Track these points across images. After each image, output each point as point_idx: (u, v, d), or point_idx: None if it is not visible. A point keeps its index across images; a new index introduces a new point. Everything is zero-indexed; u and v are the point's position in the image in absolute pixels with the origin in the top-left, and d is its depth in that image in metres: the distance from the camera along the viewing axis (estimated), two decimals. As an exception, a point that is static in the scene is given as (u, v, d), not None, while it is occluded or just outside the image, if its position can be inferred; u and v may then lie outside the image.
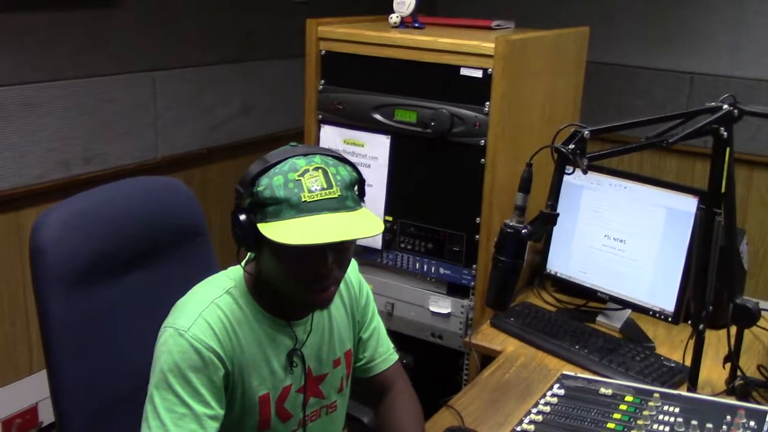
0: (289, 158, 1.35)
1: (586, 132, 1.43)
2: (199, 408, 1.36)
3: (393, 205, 2.35)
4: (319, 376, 1.57)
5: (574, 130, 1.45)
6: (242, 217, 1.36)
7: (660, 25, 3.85)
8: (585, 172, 1.46)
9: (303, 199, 1.31)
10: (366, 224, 1.36)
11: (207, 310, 1.41)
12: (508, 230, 1.52)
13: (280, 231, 1.31)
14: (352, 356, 1.67)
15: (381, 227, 1.37)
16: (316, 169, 1.34)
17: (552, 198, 1.48)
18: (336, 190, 1.34)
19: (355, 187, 1.41)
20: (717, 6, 3.71)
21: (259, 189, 1.34)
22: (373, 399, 1.74)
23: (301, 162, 1.35)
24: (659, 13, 3.85)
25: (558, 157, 1.45)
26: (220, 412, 1.40)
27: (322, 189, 1.32)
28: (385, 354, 1.72)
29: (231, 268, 1.53)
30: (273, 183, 1.33)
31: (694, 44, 3.79)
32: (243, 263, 1.50)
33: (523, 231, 1.51)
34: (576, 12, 3.88)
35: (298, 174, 1.33)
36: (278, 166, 1.35)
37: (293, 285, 1.40)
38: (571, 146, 1.42)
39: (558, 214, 1.50)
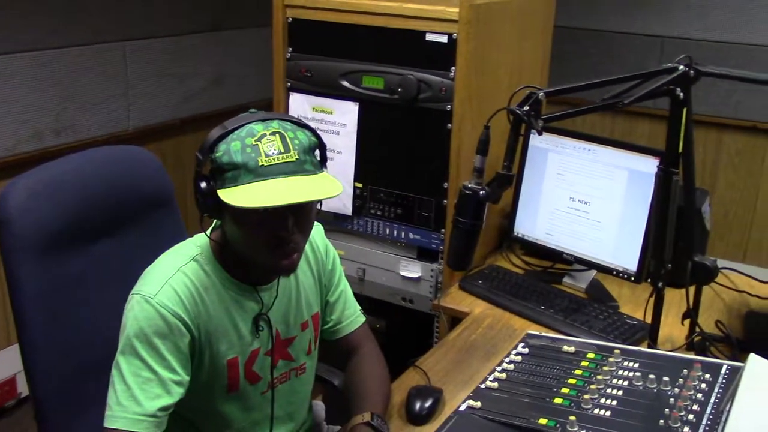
0: (246, 124, 1.37)
1: (541, 93, 1.46)
2: (164, 373, 1.39)
3: (362, 171, 2.37)
4: (287, 339, 1.61)
5: (529, 92, 1.47)
6: (202, 184, 1.38)
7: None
8: (540, 133, 1.49)
9: (260, 164, 1.33)
10: (323, 186, 1.38)
11: (173, 277, 1.43)
12: (467, 192, 1.55)
13: (238, 195, 1.33)
14: (320, 319, 1.70)
15: (339, 189, 1.39)
16: (273, 133, 1.36)
17: (508, 159, 1.51)
18: (293, 154, 1.36)
19: (315, 152, 1.43)
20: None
21: (217, 155, 1.36)
22: (341, 361, 1.78)
23: (258, 127, 1.37)
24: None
25: (513, 119, 1.47)
26: (186, 377, 1.43)
27: (279, 153, 1.34)
28: (352, 316, 1.76)
29: (197, 236, 1.55)
30: (231, 148, 1.34)
31: (666, 8, 3.80)
32: (209, 231, 1.52)
33: (481, 192, 1.54)
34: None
35: (255, 139, 1.35)
36: (236, 132, 1.37)
37: (256, 250, 1.43)
38: (526, 108, 1.45)
39: (513, 175, 1.53)
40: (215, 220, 1.51)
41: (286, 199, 1.33)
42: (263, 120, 1.38)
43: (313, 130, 1.44)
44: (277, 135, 1.36)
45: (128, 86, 3.13)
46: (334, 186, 1.39)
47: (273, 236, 1.40)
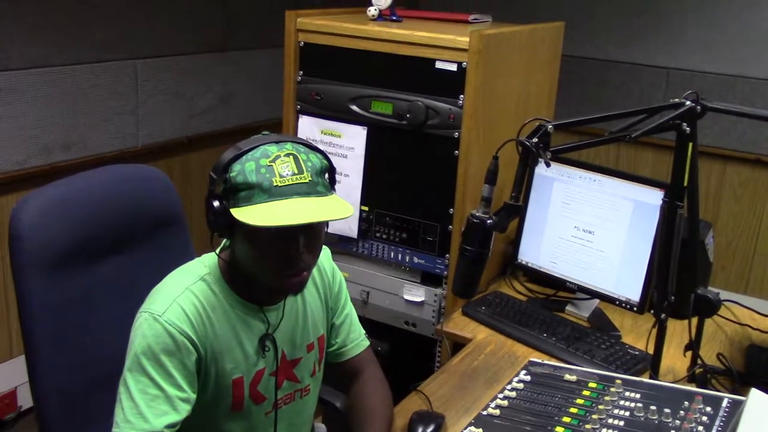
0: (261, 145, 1.40)
1: (550, 126, 1.48)
2: (171, 390, 1.40)
3: (369, 195, 2.39)
4: (293, 360, 1.62)
5: (538, 124, 1.50)
6: (215, 203, 1.40)
7: (637, 20, 3.91)
8: (548, 165, 1.51)
9: (274, 184, 1.36)
10: (335, 208, 1.41)
11: (182, 296, 1.45)
12: (474, 220, 1.57)
13: (251, 214, 1.35)
14: (325, 341, 1.72)
15: (351, 211, 1.41)
16: (288, 155, 1.39)
17: (516, 190, 1.53)
18: (307, 176, 1.38)
19: (326, 175, 1.45)
20: (692, 2, 3.77)
21: (231, 175, 1.38)
22: (344, 383, 1.78)
23: (272, 148, 1.39)
24: (637, 8, 3.91)
25: (522, 151, 1.49)
26: (192, 395, 1.44)
27: (293, 174, 1.37)
28: (356, 340, 1.77)
29: (205, 255, 1.57)
30: (245, 168, 1.37)
31: (671, 40, 3.84)
32: (218, 250, 1.54)
33: (489, 221, 1.56)
34: (555, 7, 3.93)
35: (269, 160, 1.37)
36: (250, 152, 1.39)
37: (266, 269, 1.44)
38: (535, 140, 1.47)
39: (521, 206, 1.55)
40: (224, 240, 1.53)
41: (299, 219, 1.35)
42: (277, 142, 1.41)
43: (324, 153, 1.47)
44: (291, 157, 1.39)
45: (138, 103, 3.16)
46: (345, 208, 1.41)
47: (284, 256, 1.42)
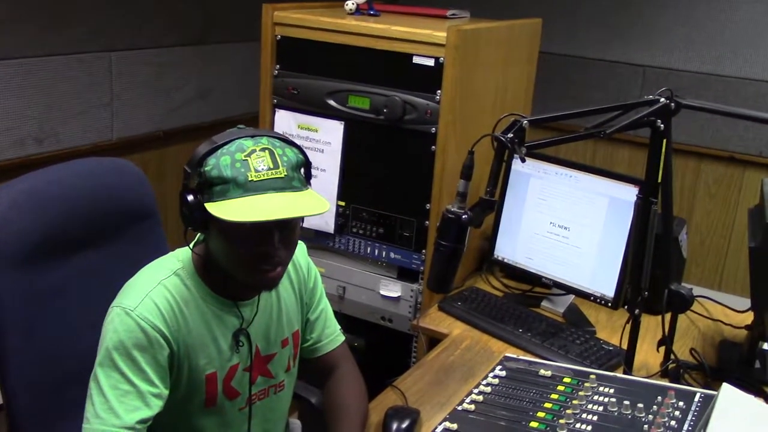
0: (236, 139, 1.38)
1: (525, 122, 1.48)
2: (143, 386, 1.39)
3: (345, 190, 2.38)
4: (267, 356, 1.61)
5: (513, 120, 1.50)
6: (190, 197, 1.39)
7: (616, 18, 3.93)
8: (523, 160, 1.51)
9: (249, 179, 1.34)
10: (311, 203, 1.40)
11: (154, 290, 1.44)
12: (450, 215, 1.57)
13: (226, 209, 1.34)
14: (300, 337, 1.71)
15: (327, 206, 1.41)
16: (263, 149, 1.37)
17: (491, 185, 1.53)
18: (282, 171, 1.37)
19: (302, 169, 1.45)
20: (669, 1, 3.80)
21: (206, 169, 1.36)
22: (319, 379, 1.78)
23: (248, 143, 1.38)
24: (615, 6, 3.93)
25: (497, 146, 1.49)
26: (165, 391, 1.43)
27: (269, 169, 1.36)
28: (331, 335, 1.76)
29: (179, 250, 1.55)
30: (220, 163, 1.35)
31: (648, 37, 3.87)
32: (191, 244, 1.52)
33: (464, 216, 1.55)
34: (533, 4, 3.93)
35: (245, 154, 1.36)
36: (225, 146, 1.38)
37: (241, 265, 1.43)
38: (510, 135, 1.47)
39: (496, 201, 1.55)
40: (198, 235, 1.52)
41: (275, 214, 1.34)
42: (252, 136, 1.40)
43: (300, 148, 1.46)
44: (267, 151, 1.37)
45: (113, 96, 3.12)
46: (321, 203, 1.40)
47: (258, 251, 1.40)
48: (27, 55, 2.78)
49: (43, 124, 2.87)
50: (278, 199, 1.36)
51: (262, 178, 1.35)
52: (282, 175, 1.37)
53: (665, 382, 1.75)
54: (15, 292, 1.56)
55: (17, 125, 2.79)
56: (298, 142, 2.33)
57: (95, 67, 3.03)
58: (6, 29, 2.68)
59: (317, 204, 1.40)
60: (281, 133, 2.33)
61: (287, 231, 1.43)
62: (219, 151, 1.37)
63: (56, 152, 2.91)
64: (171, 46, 3.34)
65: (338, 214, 2.40)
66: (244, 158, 1.36)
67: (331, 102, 2.34)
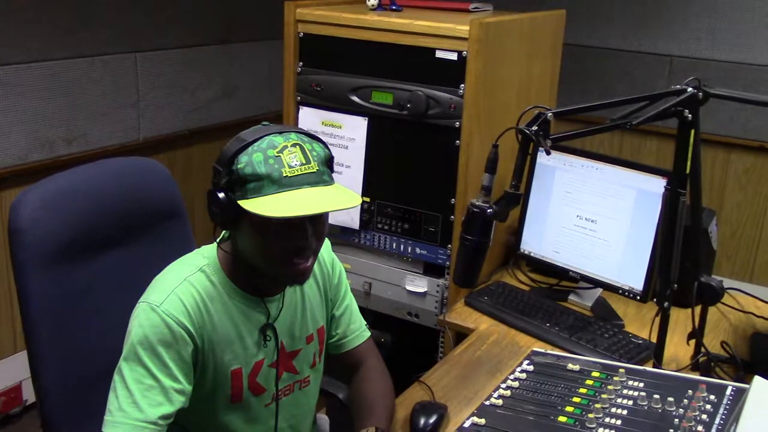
0: (265, 136, 1.39)
1: (550, 114, 1.47)
2: (167, 381, 1.40)
3: (370, 185, 2.38)
4: (293, 352, 1.62)
5: (538, 112, 1.48)
6: (221, 195, 1.39)
7: (641, 8, 3.88)
8: (548, 153, 1.50)
9: (284, 174, 1.36)
10: (344, 196, 1.41)
11: (180, 286, 1.45)
12: (474, 210, 1.56)
13: (263, 206, 1.35)
14: (325, 333, 1.71)
15: (359, 200, 1.43)
16: (294, 145, 1.39)
17: (516, 178, 1.52)
18: (314, 165, 1.39)
19: (328, 164, 1.46)
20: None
21: (239, 167, 1.37)
22: (346, 375, 1.78)
23: (278, 139, 1.39)
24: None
25: (522, 139, 1.48)
26: (188, 387, 1.44)
27: (302, 164, 1.37)
28: (357, 331, 1.76)
29: (205, 247, 1.56)
30: (253, 160, 1.36)
31: (674, 27, 3.82)
32: (217, 241, 1.53)
33: (489, 210, 1.55)
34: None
35: (277, 150, 1.37)
36: (256, 143, 1.39)
37: (275, 259, 1.44)
38: (534, 128, 1.46)
39: (521, 194, 1.54)
40: (224, 231, 1.53)
41: (314, 208, 1.36)
42: (281, 132, 1.41)
43: (324, 143, 1.47)
44: (298, 147, 1.39)
45: (139, 97, 3.15)
46: (353, 196, 1.42)
47: (293, 245, 1.42)
48: (53, 58, 2.81)
49: (71, 126, 2.91)
50: (313, 193, 1.37)
51: (297, 173, 1.37)
52: (314, 170, 1.39)
53: (696, 376, 1.73)
54: (45, 291, 1.59)
55: (46, 127, 2.83)
56: (322, 138, 2.35)
57: (121, 68, 3.06)
58: (32, 32, 2.72)
59: (350, 197, 1.42)
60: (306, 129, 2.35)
61: (319, 224, 1.45)
62: (250, 148, 1.38)
63: (84, 153, 2.95)
64: (195, 46, 3.37)
65: (363, 210, 2.40)
66: (276, 154, 1.37)
67: (355, 98, 2.34)
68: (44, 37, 2.77)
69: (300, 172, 1.37)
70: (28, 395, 2.97)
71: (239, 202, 1.38)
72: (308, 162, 1.38)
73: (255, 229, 1.41)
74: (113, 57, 3.03)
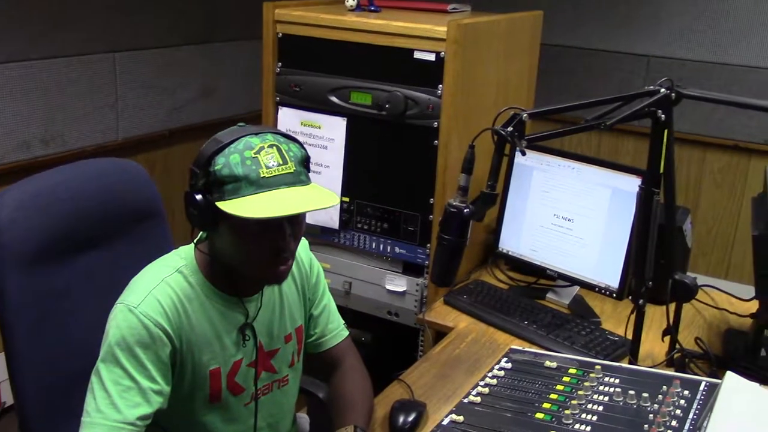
0: (242, 137, 1.40)
1: (525, 115, 1.49)
2: (144, 382, 1.40)
3: (350, 185, 2.39)
4: (271, 351, 1.62)
5: (513, 113, 1.50)
6: (198, 197, 1.40)
7: (618, 8, 3.92)
8: (523, 153, 1.52)
9: (262, 175, 1.36)
10: (322, 196, 1.42)
11: (157, 287, 1.45)
12: (452, 209, 1.58)
13: (241, 207, 1.35)
14: (303, 332, 1.72)
15: (337, 199, 1.43)
16: (271, 146, 1.39)
17: (492, 178, 1.53)
18: (291, 166, 1.39)
19: (305, 164, 1.46)
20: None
21: (216, 168, 1.38)
22: (325, 374, 1.79)
23: (255, 140, 1.39)
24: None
25: (497, 139, 1.50)
26: (166, 388, 1.44)
27: (279, 165, 1.38)
28: (335, 330, 1.77)
29: (182, 248, 1.56)
30: (230, 161, 1.37)
31: (651, 27, 3.86)
32: (195, 242, 1.54)
33: (465, 210, 1.56)
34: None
35: (254, 152, 1.38)
36: (233, 145, 1.39)
37: (253, 260, 1.45)
38: (510, 129, 1.48)
39: (497, 194, 1.56)
40: (201, 233, 1.53)
41: (292, 208, 1.37)
42: (257, 133, 1.41)
43: (300, 143, 1.48)
44: (274, 147, 1.39)
45: (117, 97, 3.14)
46: (331, 196, 1.43)
47: (272, 246, 1.42)
48: (30, 58, 2.80)
49: (48, 126, 2.89)
50: (291, 193, 1.38)
51: (274, 174, 1.37)
52: (291, 170, 1.39)
53: (670, 372, 1.75)
54: (22, 292, 1.58)
55: (23, 128, 2.81)
56: (301, 138, 2.36)
57: (99, 68, 3.04)
58: (9, 32, 2.70)
59: (328, 196, 1.43)
60: (285, 130, 2.35)
61: (297, 225, 1.46)
62: (227, 149, 1.39)
63: (62, 154, 2.93)
64: (173, 46, 3.35)
65: (343, 210, 2.41)
66: (253, 155, 1.37)
67: (334, 98, 2.35)
68: (21, 38, 2.75)
69: (277, 173, 1.38)
70: (6, 397, 2.94)
71: (217, 203, 1.38)
72: (285, 162, 1.39)
73: (233, 230, 1.42)
74: (91, 57, 3.01)
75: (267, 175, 1.37)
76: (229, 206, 1.36)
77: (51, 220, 1.65)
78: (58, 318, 1.65)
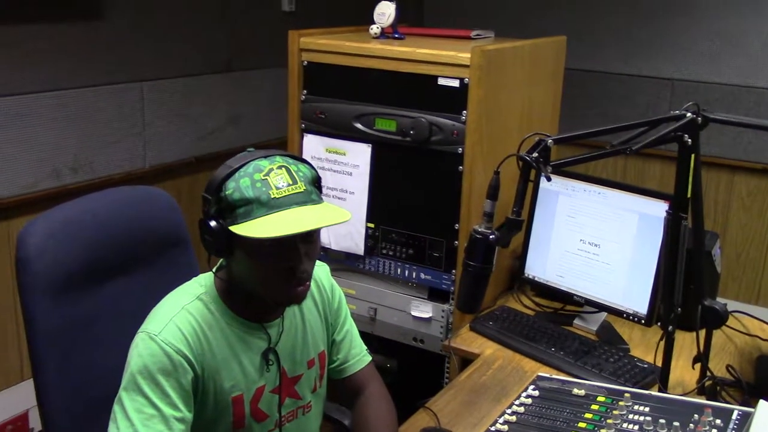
0: (251, 161, 1.41)
1: (550, 141, 1.48)
2: (167, 410, 1.40)
3: (375, 211, 2.39)
4: (294, 377, 1.62)
5: (538, 139, 1.50)
6: (212, 223, 1.41)
7: (642, 32, 3.92)
8: (549, 179, 1.52)
9: (272, 196, 1.37)
10: (334, 213, 1.43)
11: (178, 315, 1.46)
12: (477, 236, 1.58)
13: (254, 228, 1.36)
14: (326, 357, 1.72)
15: (348, 215, 1.43)
16: (280, 167, 1.40)
17: (518, 204, 1.53)
18: (301, 185, 1.40)
19: (316, 184, 1.48)
20: (697, 13, 3.77)
21: (227, 193, 1.39)
22: (348, 400, 1.79)
23: (263, 163, 1.41)
24: (640, 21, 3.91)
25: (522, 165, 1.50)
26: (188, 415, 1.44)
27: (288, 185, 1.39)
28: (358, 356, 1.77)
29: (202, 275, 1.58)
30: (240, 185, 1.38)
31: (675, 51, 3.84)
32: (214, 269, 1.54)
33: (491, 236, 1.56)
34: (558, 21, 3.95)
35: (263, 174, 1.39)
36: (242, 169, 1.40)
37: (269, 283, 1.45)
38: (535, 155, 1.47)
39: (522, 220, 1.55)
40: (220, 260, 1.54)
41: (304, 226, 1.37)
42: (266, 156, 1.43)
43: (311, 164, 1.50)
44: (284, 168, 1.41)
45: (144, 125, 3.18)
46: (342, 212, 1.43)
47: (286, 266, 1.43)
48: (61, 87, 2.84)
49: (77, 154, 2.93)
50: (302, 212, 1.39)
51: (284, 194, 1.38)
52: (301, 190, 1.40)
53: (701, 400, 1.73)
54: (51, 319, 1.60)
55: (53, 156, 2.85)
56: (326, 165, 2.37)
57: (126, 97, 3.09)
58: (41, 62, 2.75)
59: (339, 213, 1.43)
60: (310, 157, 2.37)
61: (311, 244, 1.46)
62: (236, 174, 1.40)
63: (91, 181, 2.97)
64: (199, 75, 3.40)
65: (368, 236, 2.41)
66: (263, 177, 1.39)
67: (358, 125, 2.36)
68: (53, 68, 2.80)
69: (287, 193, 1.38)
70: (35, 423, 2.96)
71: (231, 228, 1.39)
72: (295, 182, 1.40)
73: (248, 253, 1.43)
74: (119, 86, 3.06)
75: (277, 196, 1.37)
76: (242, 229, 1.37)
77: (79, 248, 1.67)
78: (86, 344, 1.67)
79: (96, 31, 2.94)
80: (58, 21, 2.79)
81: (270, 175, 1.39)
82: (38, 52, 2.75)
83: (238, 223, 1.38)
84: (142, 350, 1.42)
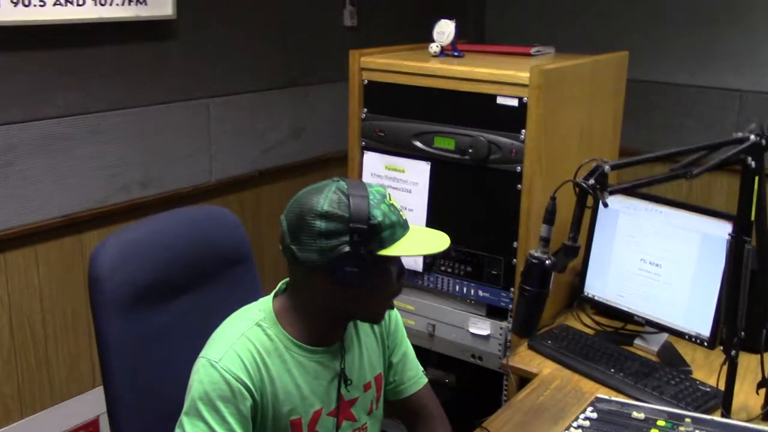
0: (367, 188, 1.48)
1: (607, 167, 1.48)
2: None
3: (433, 228, 2.40)
4: (351, 400, 1.64)
5: (595, 165, 1.50)
6: (362, 251, 1.43)
7: (704, 41, 3.83)
8: (606, 206, 1.51)
9: (403, 217, 1.49)
10: (441, 235, 1.56)
11: (237, 342, 1.50)
12: (533, 261, 1.58)
13: (402, 249, 1.46)
14: (383, 380, 1.74)
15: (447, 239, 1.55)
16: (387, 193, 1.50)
17: (574, 230, 1.53)
18: None
19: None
20: (763, 22, 3.67)
21: (378, 220, 1.44)
22: (404, 421, 1.81)
23: (377, 188, 1.49)
24: (704, 31, 3.83)
25: (578, 192, 1.50)
26: None
27: (401, 208, 1.51)
28: (414, 377, 1.78)
29: (261, 300, 1.62)
30: (383, 211, 1.45)
31: (743, 62, 3.75)
32: (272, 294, 1.59)
33: (547, 262, 1.56)
34: (619, 33, 3.89)
35: (388, 198, 1.48)
36: (371, 196, 1.46)
37: (375, 302, 1.54)
38: (591, 181, 1.47)
39: (579, 246, 1.55)
40: (280, 284, 1.59)
41: (437, 246, 1.51)
42: (368, 185, 1.51)
43: None
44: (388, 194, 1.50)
45: (210, 140, 3.26)
46: (444, 236, 1.56)
47: (401, 284, 1.55)
48: (130, 105, 2.95)
49: (147, 170, 3.03)
50: (420, 233, 1.53)
51: (404, 216, 1.50)
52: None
53: (767, 426, 1.69)
54: (122, 338, 1.66)
55: (123, 171, 2.95)
56: (386, 182, 2.41)
57: (193, 113, 3.18)
58: (111, 82, 2.86)
59: (442, 236, 1.56)
60: (369, 174, 2.40)
61: None
62: (372, 201, 1.45)
63: (158, 196, 3.06)
64: (264, 90, 3.47)
65: (426, 253, 2.43)
66: (391, 202, 1.47)
67: (418, 143, 2.39)
68: (124, 87, 2.90)
69: (405, 216, 1.49)
70: (105, 429, 3.06)
71: (378, 252, 1.44)
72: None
73: (386, 274, 1.50)
74: (187, 103, 3.15)
75: (404, 217, 1.49)
76: (393, 251, 1.45)
77: (149, 267, 1.73)
78: (154, 361, 1.72)
79: (165, 52, 3.03)
80: (130, 43, 2.90)
81: (392, 199, 1.48)
82: (110, 73, 2.85)
83: (385, 247, 1.45)
84: (203, 376, 1.46)
